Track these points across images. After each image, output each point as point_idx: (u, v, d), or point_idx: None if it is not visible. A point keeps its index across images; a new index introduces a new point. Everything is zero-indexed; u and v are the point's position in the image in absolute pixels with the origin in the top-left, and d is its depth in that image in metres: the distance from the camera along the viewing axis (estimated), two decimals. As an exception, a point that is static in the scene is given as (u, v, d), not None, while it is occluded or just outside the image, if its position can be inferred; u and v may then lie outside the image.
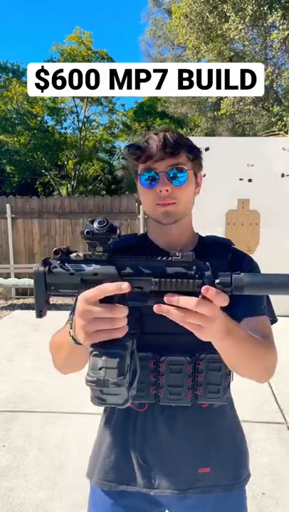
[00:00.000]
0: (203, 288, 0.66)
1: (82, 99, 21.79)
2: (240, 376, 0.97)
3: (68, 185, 22.33)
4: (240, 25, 9.99)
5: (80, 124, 22.50)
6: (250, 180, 5.75)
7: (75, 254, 0.74)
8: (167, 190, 0.98)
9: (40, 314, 0.77)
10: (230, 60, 13.11)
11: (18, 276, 7.54)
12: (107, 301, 0.69)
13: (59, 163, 22.08)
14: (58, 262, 0.74)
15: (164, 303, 0.68)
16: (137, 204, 8.21)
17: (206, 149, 5.77)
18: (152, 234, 1.12)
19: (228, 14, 10.09)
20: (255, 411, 3.25)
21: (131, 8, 49.39)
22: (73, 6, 48.22)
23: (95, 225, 0.71)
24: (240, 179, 5.76)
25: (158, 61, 18.26)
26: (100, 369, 0.70)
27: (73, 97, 21.66)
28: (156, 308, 0.68)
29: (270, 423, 3.10)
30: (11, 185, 21.26)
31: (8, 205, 7.79)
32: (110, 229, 0.71)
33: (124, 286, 0.68)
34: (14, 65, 22.12)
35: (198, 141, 6.05)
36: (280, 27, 9.90)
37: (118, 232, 0.72)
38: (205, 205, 5.82)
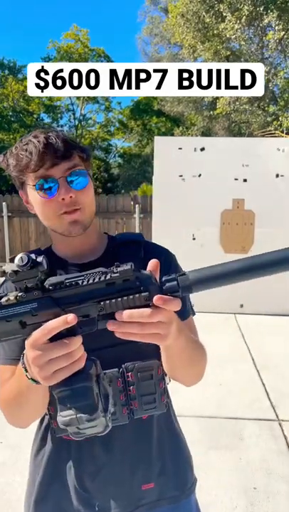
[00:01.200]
0: (155, 298, 0.63)
1: (78, 97, 21.83)
2: (175, 379, 0.97)
3: (64, 183, 22.33)
4: (236, 25, 10.06)
5: (77, 122, 22.57)
6: (245, 181, 5.80)
7: (5, 298, 0.68)
8: (71, 197, 0.89)
9: None
10: (227, 59, 13.18)
11: (14, 274, 7.58)
12: (56, 337, 0.65)
13: (55, 161, 22.10)
14: None
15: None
16: (132, 203, 8.26)
17: (202, 149, 5.83)
18: (57, 246, 1.02)
19: (224, 14, 10.16)
20: (247, 408, 3.32)
21: (128, 6, 49.31)
22: (70, 2, 48.08)
23: (17, 263, 0.64)
24: (236, 179, 5.81)
25: (154, 59, 18.30)
26: (70, 408, 0.66)
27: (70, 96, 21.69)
28: (110, 326, 0.64)
29: (263, 420, 3.16)
30: (6, 183, 21.25)
31: (4, 203, 7.83)
32: (34, 264, 0.65)
33: (70, 319, 0.63)
34: (11, 62, 22.12)
35: (193, 141, 6.08)
36: (276, 27, 9.99)
37: (45, 264, 0.66)
38: (200, 205, 5.90)
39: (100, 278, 0.66)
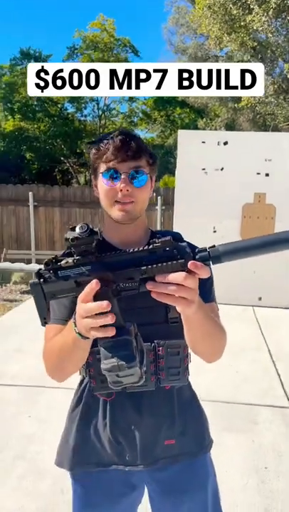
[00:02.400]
0: (190, 263, 0.73)
1: (102, 87, 21.94)
2: (196, 353, 1.09)
3: (87, 173, 22.58)
4: (263, 17, 9.98)
5: (100, 112, 22.67)
6: (267, 175, 5.87)
7: (64, 261, 0.79)
8: (128, 190, 1.04)
9: (45, 322, 0.84)
10: (254, 49, 13.06)
11: (39, 262, 7.83)
12: (105, 297, 0.75)
13: (78, 151, 22.31)
14: (51, 271, 0.79)
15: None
16: (155, 194, 8.38)
17: (225, 143, 5.92)
18: (107, 232, 1.15)
19: (251, 6, 10.08)
20: (262, 395, 3.46)
21: (154, -5, 48.78)
22: (96, -9, 47.88)
23: (77, 230, 0.76)
24: (258, 173, 5.88)
25: (180, 49, 18.20)
26: (113, 357, 0.75)
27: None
28: (149, 285, 0.75)
29: (276, 407, 3.30)
30: (30, 172, 21.60)
31: (30, 193, 8.06)
32: (91, 232, 0.76)
33: (95, 285, 0.75)
34: (36, 52, 22.28)
35: (217, 135, 6.17)
36: (304, 19, 9.87)
37: (99, 233, 0.78)
38: (222, 198, 6.01)
39: (144, 248, 0.78)
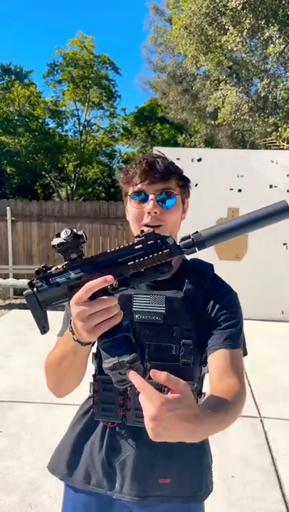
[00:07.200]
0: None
1: (83, 102, 22.13)
2: None
3: (68, 187, 22.61)
4: (238, 37, 10.30)
5: (81, 128, 22.80)
6: (239, 191, 6.05)
7: (54, 267, 0.80)
8: (156, 213, 1.02)
9: (44, 331, 0.82)
10: (230, 69, 13.43)
11: (16, 276, 7.80)
12: (95, 298, 0.75)
13: (59, 165, 22.34)
14: (42, 279, 0.79)
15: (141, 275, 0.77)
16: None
17: (199, 160, 6.08)
18: None
19: (226, 27, 10.40)
20: (232, 406, 3.53)
21: (134, 15, 49.86)
22: (76, 9, 48.62)
23: (62, 236, 0.76)
24: (231, 189, 6.05)
25: (159, 68, 18.57)
26: (113, 356, 0.76)
27: (74, 100, 21.99)
28: None
29: (246, 417, 3.37)
30: (10, 187, 21.51)
31: (8, 207, 8.06)
32: (76, 236, 0.76)
33: (109, 278, 0.74)
34: (17, 68, 22.42)
35: (191, 152, 6.37)
36: (276, 41, 10.22)
37: (84, 237, 0.77)
38: (196, 213, 6.09)
39: (128, 244, 0.79)
